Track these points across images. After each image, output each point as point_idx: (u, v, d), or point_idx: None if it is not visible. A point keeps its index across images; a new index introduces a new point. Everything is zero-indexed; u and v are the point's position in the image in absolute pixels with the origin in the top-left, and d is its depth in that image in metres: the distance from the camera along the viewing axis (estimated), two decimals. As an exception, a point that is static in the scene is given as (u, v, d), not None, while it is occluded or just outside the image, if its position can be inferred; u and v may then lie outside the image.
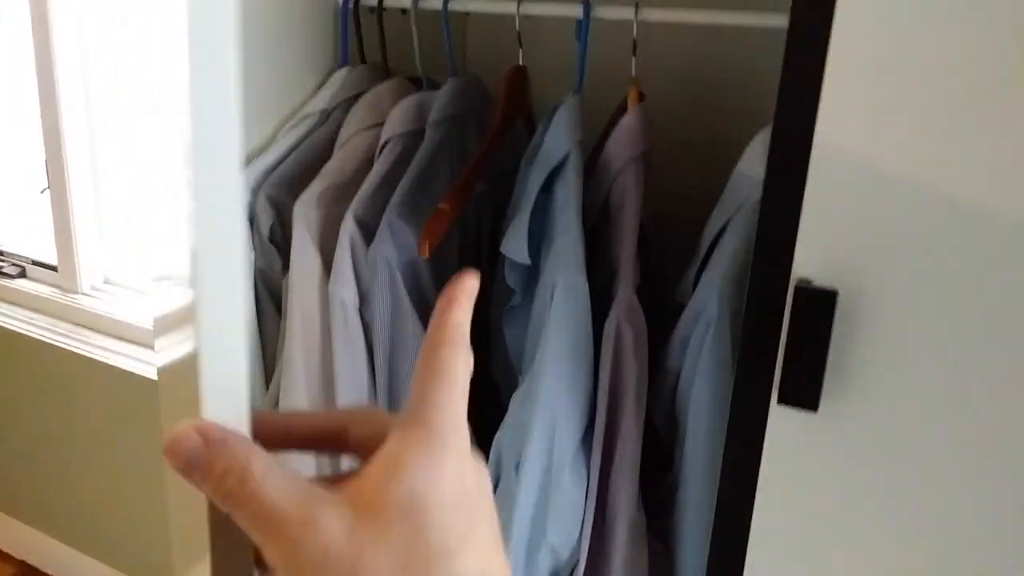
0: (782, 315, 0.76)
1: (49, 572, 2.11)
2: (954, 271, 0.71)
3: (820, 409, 0.77)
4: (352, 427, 0.34)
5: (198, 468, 0.28)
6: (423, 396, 0.30)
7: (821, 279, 0.76)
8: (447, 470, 0.29)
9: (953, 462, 0.75)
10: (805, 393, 0.76)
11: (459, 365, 0.32)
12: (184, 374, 0.33)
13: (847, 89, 0.71)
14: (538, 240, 1.03)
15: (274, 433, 0.34)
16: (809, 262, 0.76)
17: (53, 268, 2.00)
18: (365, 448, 0.33)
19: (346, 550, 0.27)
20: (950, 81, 0.68)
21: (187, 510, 0.38)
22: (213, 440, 0.28)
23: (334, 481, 0.31)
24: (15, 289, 2.02)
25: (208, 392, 0.29)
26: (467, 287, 0.33)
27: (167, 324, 0.35)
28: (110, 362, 1.81)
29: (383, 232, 1.04)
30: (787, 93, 0.74)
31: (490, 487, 0.31)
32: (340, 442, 0.34)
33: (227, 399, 0.30)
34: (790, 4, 0.72)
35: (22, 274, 2.06)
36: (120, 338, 1.88)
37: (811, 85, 0.72)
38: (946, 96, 0.69)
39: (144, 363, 1.79)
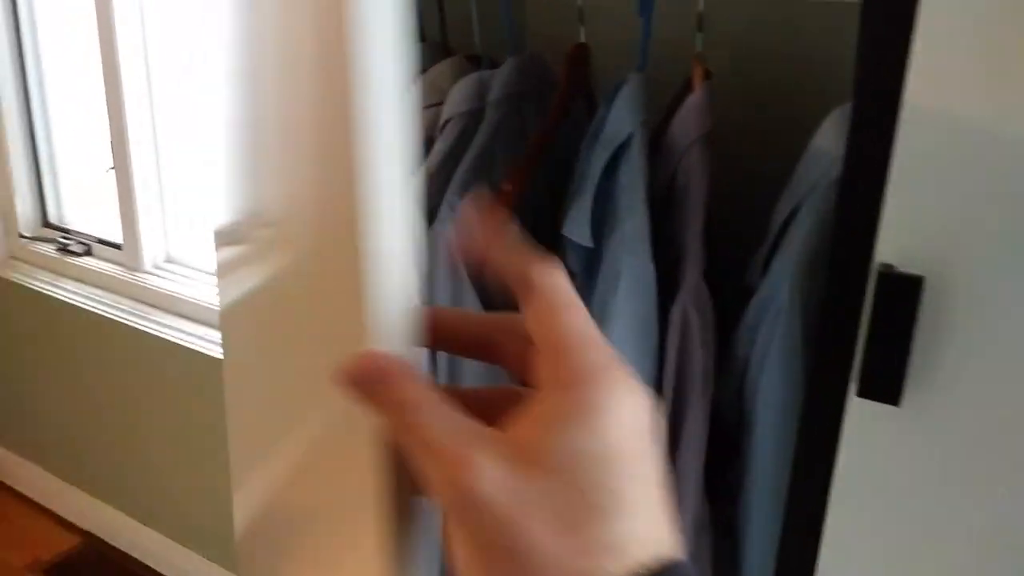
0: (862, 302, 0.73)
1: (113, 543, 2.16)
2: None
3: (903, 404, 0.73)
4: (500, 337, 0.33)
5: (372, 396, 0.29)
6: (557, 336, 0.30)
7: (905, 264, 0.71)
8: (611, 425, 0.28)
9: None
10: (887, 386, 0.72)
11: (564, 283, 0.31)
12: (249, 307, 0.36)
13: (940, 52, 0.67)
14: (600, 222, 1.00)
15: (436, 328, 0.34)
16: (893, 245, 0.72)
17: (118, 247, 2.04)
18: (518, 365, 0.32)
19: (499, 495, 0.27)
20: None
21: (248, 484, 0.40)
22: (387, 371, 0.29)
23: (501, 404, 0.31)
24: (81, 266, 2.07)
25: (379, 323, 0.30)
26: (490, 214, 0.33)
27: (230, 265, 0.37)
28: (172, 339, 1.84)
29: (444, 212, 1.02)
30: (870, 57, 0.69)
31: (655, 435, 0.30)
32: (493, 354, 0.34)
33: (397, 329, 0.31)
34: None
35: (88, 252, 2.10)
36: (181, 316, 1.90)
37: (898, 49, 0.67)
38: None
39: (205, 341, 1.82)
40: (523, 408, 0.29)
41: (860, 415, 0.76)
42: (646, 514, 0.28)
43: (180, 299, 1.90)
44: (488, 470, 0.27)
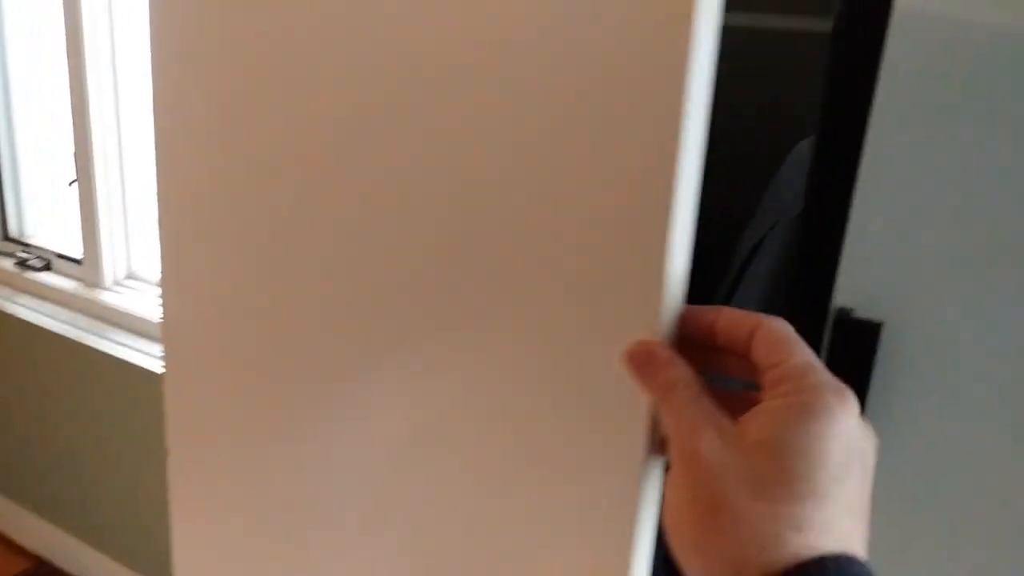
0: (819, 347, 0.70)
1: (64, 568, 2.10)
2: (1019, 306, 0.64)
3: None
4: (757, 357, 0.38)
5: (648, 375, 0.38)
6: (791, 358, 0.36)
7: (864, 308, 0.69)
8: (828, 432, 0.34)
9: (1008, 517, 0.68)
10: (842, 435, 0.69)
11: (790, 325, 0.39)
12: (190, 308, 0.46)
13: (900, 91, 0.64)
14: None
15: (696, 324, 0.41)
16: (851, 288, 0.69)
17: (78, 262, 1.99)
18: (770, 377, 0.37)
19: (714, 456, 0.35)
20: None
21: (189, 512, 0.46)
22: (663, 358, 0.38)
23: (731, 404, 0.38)
24: (40, 282, 2.02)
25: (664, 318, 0.38)
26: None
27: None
28: (129, 359, 1.79)
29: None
30: (834, 96, 0.67)
31: (871, 460, 0.36)
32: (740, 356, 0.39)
33: (668, 325, 0.39)
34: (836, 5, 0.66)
35: (47, 267, 2.05)
36: (140, 335, 1.85)
37: (862, 88, 0.65)
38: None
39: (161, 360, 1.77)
40: (751, 411, 0.36)
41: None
42: (837, 513, 0.33)
43: (139, 318, 1.86)
44: (711, 438, 0.35)
